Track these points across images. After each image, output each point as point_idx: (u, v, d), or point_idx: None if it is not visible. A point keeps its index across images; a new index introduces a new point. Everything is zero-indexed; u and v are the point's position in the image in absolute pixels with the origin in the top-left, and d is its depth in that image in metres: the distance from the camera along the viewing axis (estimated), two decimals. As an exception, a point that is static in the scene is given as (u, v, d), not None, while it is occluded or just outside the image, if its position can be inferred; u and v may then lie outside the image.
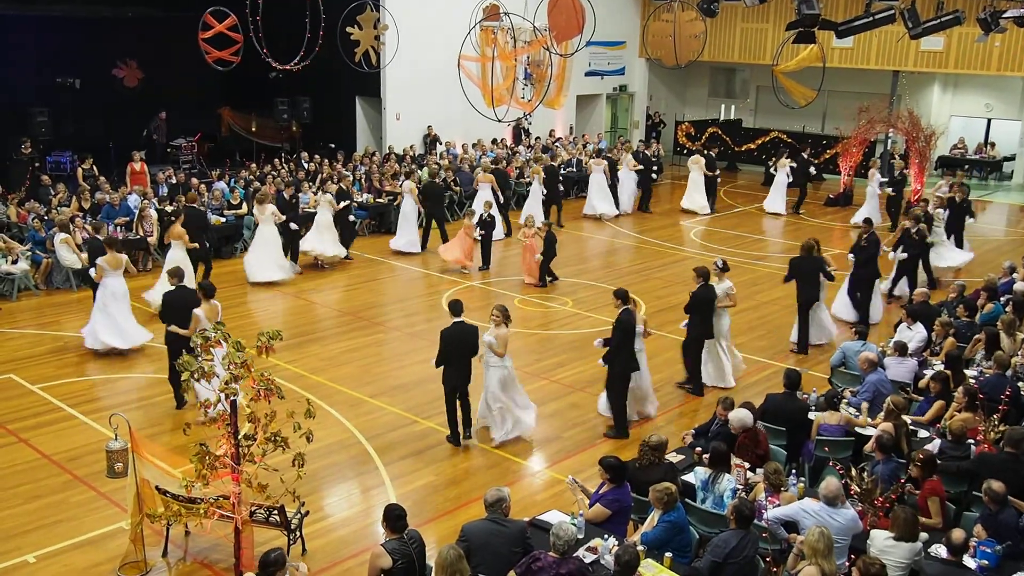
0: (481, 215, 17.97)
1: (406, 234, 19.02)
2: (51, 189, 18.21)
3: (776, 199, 23.29)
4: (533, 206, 20.56)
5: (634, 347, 10.41)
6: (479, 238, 17.86)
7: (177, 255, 14.42)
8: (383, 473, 9.61)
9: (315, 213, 17.99)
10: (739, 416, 8.49)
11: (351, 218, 18.62)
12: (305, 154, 23.12)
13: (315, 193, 18.70)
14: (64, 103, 21.73)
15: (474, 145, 25.20)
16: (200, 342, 7.18)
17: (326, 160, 22.50)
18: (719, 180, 24.38)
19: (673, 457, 8.34)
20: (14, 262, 15.47)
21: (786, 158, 23.42)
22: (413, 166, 21.93)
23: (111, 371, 12.25)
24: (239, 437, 7.32)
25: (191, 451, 7.38)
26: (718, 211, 23.61)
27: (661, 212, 23.43)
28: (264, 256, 16.59)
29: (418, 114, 24.70)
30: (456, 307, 10.27)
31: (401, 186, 19.62)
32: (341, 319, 14.65)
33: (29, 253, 15.85)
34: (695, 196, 23.36)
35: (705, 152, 24.17)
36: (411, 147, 24.41)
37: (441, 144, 25.15)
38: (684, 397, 11.76)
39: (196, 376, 7.06)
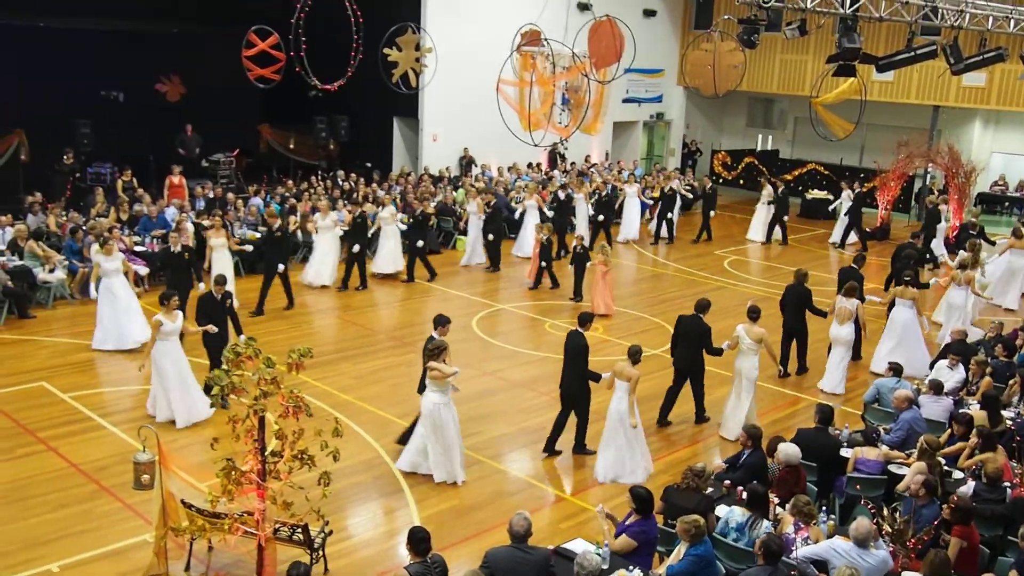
0: (542, 238, 18.25)
1: (473, 250, 19.81)
2: (91, 199, 18.55)
3: (757, 228, 23.55)
4: (582, 229, 21.28)
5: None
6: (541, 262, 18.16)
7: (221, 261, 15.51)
8: (408, 495, 9.59)
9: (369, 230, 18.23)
10: (787, 452, 8.33)
11: (419, 243, 18.65)
12: (341, 172, 23.32)
13: (350, 207, 18.85)
14: (107, 115, 22.07)
15: (509, 168, 25.30)
16: (231, 357, 7.22)
17: (362, 179, 22.69)
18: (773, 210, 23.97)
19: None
20: (51, 271, 15.70)
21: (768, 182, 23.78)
22: (476, 183, 22.28)
23: (142, 382, 12.37)
24: (266, 453, 7.34)
25: (217, 466, 7.41)
26: (752, 241, 23.50)
27: (690, 239, 23.35)
28: (326, 262, 17.46)
29: (454, 136, 24.87)
30: (585, 319, 10.46)
31: (465, 208, 20.11)
32: (373, 338, 14.70)
33: (66, 263, 16.09)
34: (757, 226, 23.53)
35: (771, 182, 24.08)
36: (447, 168, 24.55)
37: (476, 166, 25.27)
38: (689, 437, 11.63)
39: (226, 391, 7.10)
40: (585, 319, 10.52)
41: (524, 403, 12.11)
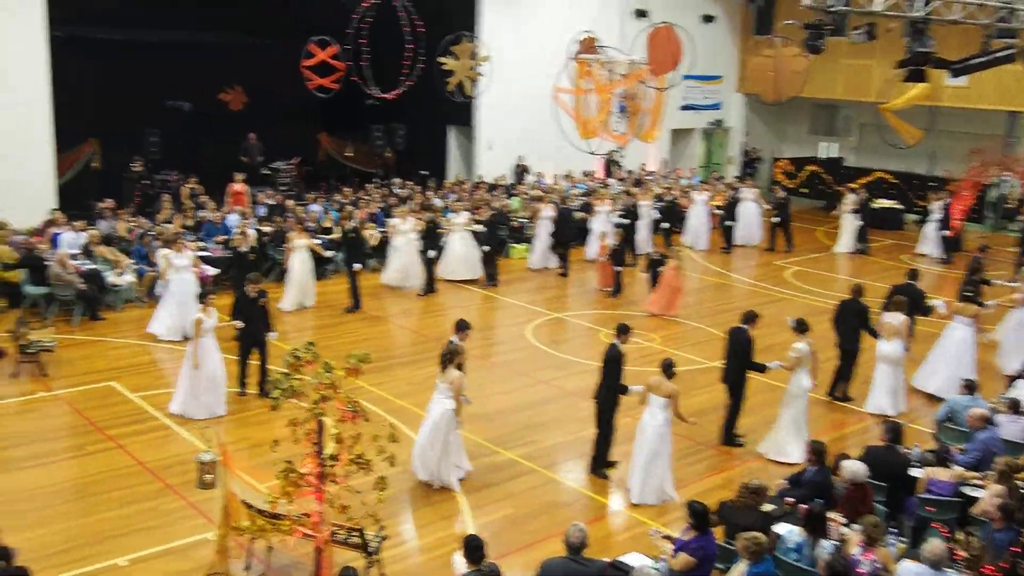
0: (613, 245, 18.36)
1: (541, 255, 19.96)
2: (158, 205, 19.04)
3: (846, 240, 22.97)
4: (646, 236, 21.30)
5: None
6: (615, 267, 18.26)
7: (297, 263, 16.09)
8: (463, 502, 9.67)
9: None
10: (852, 469, 8.09)
11: (483, 248, 18.88)
12: (398, 180, 23.57)
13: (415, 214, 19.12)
14: (173, 125, 22.66)
15: (565, 177, 25.32)
16: (291, 361, 7.39)
17: (418, 187, 22.91)
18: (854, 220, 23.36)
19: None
20: (121, 274, 16.17)
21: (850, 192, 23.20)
22: (543, 188, 22.46)
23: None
24: (324, 457, 7.49)
25: (277, 468, 7.58)
26: (816, 251, 23.18)
27: (759, 250, 23.12)
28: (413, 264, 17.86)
29: (509, 144, 24.97)
30: (623, 330, 10.42)
31: (538, 213, 20.40)
32: (429, 344, 14.84)
33: (135, 267, 16.55)
34: (845, 238, 23.01)
35: (853, 190, 23.68)
36: (502, 176, 24.65)
37: (530, 174, 25.39)
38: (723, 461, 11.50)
39: (286, 395, 7.27)
40: (623, 330, 10.40)
41: (579, 412, 12.09)
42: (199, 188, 20.52)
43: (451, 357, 9.75)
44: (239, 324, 11.96)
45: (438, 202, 21.38)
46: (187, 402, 11.46)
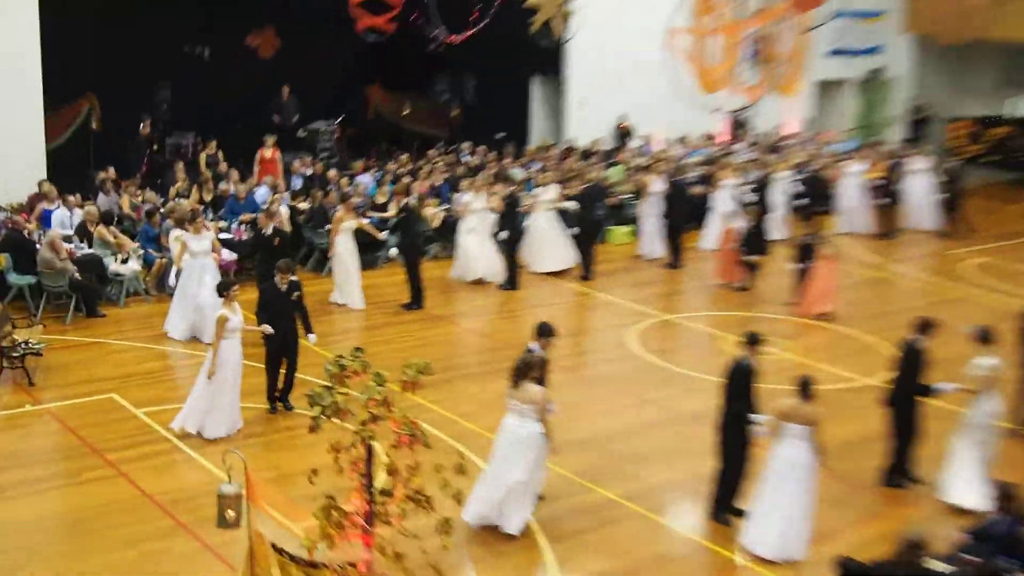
0: (740, 229, 18.35)
1: (650, 241, 20.02)
2: (170, 176, 19.47)
3: None
4: (781, 216, 21.29)
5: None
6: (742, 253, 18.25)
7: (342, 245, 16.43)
8: (547, 553, 9.66)
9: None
10: None
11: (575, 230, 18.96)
12: (467, 145, 23.69)
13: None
14: (190, 76, 22.87)
15: (679, 141, 25.12)
16: (334, 371, 7.45)
17: (493, 153, 23.02)
18: None
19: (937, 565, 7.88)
20: (124, 261, 16.57)
21: None
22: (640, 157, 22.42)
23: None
24: (374, 491, 7.52)
25: (317, 504, 7.64)
26: (1005, 238, 22.57)
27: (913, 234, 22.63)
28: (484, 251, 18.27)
29: (608, 100, 24.90)
30: (754, 338, 10.30)
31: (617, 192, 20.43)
32: (505, 352, 14.80)
33: (141, 252, 16.95)
34: None
35: None
36: (598, 141, 24.57)
37: (635, 138, 25.27)
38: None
39: (328, 413, 7.33)
40: (753, 339, 10.25)
41: (696, 441, 11.86)
42: (220, 155, 20.90)
43: (526, 370, 9.72)
44: (268, 330, 12.12)
45: (518, 173, 21.41)
46: (200, 418, 11.66)
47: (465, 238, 18.27)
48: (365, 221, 17.44)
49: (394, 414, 7.44)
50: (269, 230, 15.00)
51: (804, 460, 9.57)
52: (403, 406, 7.68)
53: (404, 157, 22.50)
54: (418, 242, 17.08)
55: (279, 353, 12.35)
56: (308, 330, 12.58)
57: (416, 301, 16.71)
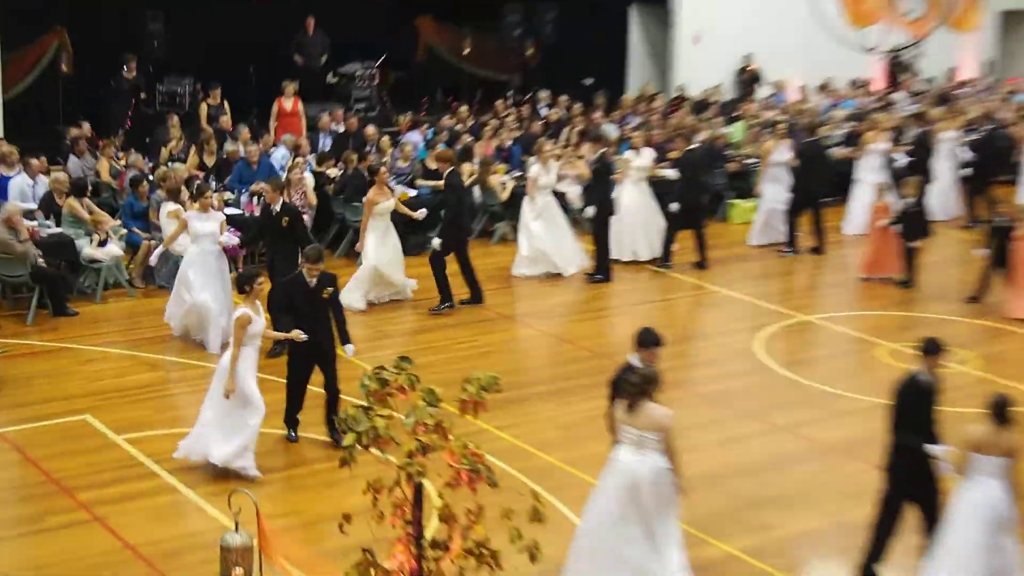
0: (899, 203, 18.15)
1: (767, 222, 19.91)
2: (162, 133, 19.51)
3: None
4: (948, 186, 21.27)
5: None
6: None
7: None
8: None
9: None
10: None
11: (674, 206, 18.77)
12: (544, 94, 23.54)
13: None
14: (187, 3, 22.91)
15: (820, 89, 24.89)
16: (373, 387, 7.30)
17: (578, 105, 22.81)
18: None
19: None
20: (102, 243, 16.54)
21: None
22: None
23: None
24: (424, 544, 7.41)
25: (349, 560, 7.53)
26: None
27: None
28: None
29: (729, 37, 24.81)
30: (931, 348, 9.91)
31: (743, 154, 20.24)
32: (590, 363, 14.71)
33: (124, 231, 16.96)
34: None
35: None
36: (715, 88, 24.38)
37: (764, 85, 25.15)
38: None
39: (365, 442, 7.20)
40: (932, 348, 9.97)
41: (843, 480, 11.88)
42: (226, 106, 20.94)
43: (645, 387, 9.50)
44: (300, 336, 11.85)
45: (611, 130, 21.22)
46: (209, 444, 11.54)
47: (530, 223, 18.05)
48: (404, 192, 17.29)
49: (450, 443, 7.28)
50: (278, 206, 14.70)
51: (999, 504, 9.32)
52: (462, 433, 7.52)
53: (463, 110, 22.42)
54: (464, 221, 16.73)
55: (307, 366, 12.21)
56: (344, 339, 12.37)
57: (475, 296, 16.53)
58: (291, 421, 12.36)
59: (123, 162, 18.72)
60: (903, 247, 17.85)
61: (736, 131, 22.29)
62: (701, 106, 23.56)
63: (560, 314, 16.90)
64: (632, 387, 9.61)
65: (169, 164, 18.30)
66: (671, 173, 18.88)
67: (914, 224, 17.81)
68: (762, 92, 24.91)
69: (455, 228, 16.44)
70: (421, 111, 22.96)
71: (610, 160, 18.29)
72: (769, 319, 16.53)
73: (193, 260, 14.75)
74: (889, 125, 21.27)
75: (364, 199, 16.51)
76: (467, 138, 20.30)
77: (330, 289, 12.14)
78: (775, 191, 19.63)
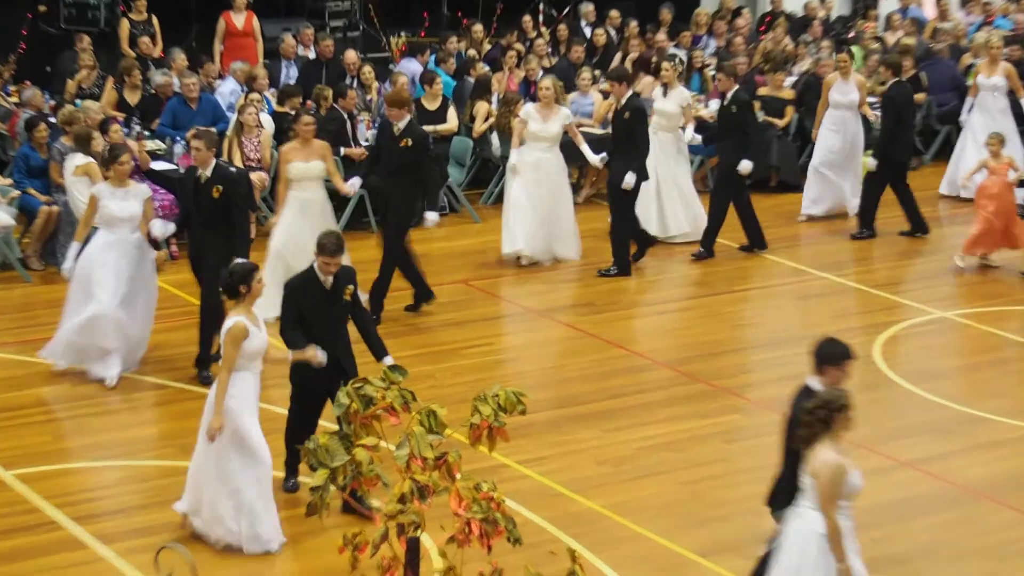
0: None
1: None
2: (68, 60, 19.59)
3: None
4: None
5: None
6: None
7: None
8: None
9: None
10: None
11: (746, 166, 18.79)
12: (589, 7, 23.53)
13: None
14: None
15: (965, 3, 24.87)
16: (353, 408, 7.36)
17: (635, 23, 22.96)
18: None
19: None
20: (-11, 208, 16.73)
21: None
22: None
23: (155, 451, 12.95)
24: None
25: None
26: None
27: None
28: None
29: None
30: None
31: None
32: (648, 376, 14.91)
33: (15, 193, 17.05)
34: None
35: None
36: (823, 1, 24.41)
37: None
38: None
39: (342, 483, 7.27)
40: (830, 354, 10.16)
41: (986, 535, 11.92)
42: (155, 23, 20.99)
43: (826, 424, 9.47)
44: (318, 358, 11.44)
45: (678, 55, 21.22)
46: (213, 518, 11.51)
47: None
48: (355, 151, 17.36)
49: (457, 484, 7.33)
50: (208, 170, 14.32)
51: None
52: (473, 470, 7.56)
53: (478, 29, 22.43)
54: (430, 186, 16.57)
55: (320, 395, 11.83)
56: (380, 351, 11.98)
57: (421, 295, 16.43)
58: (292, 466, 12.23)
59: (14, 99, 18.79)
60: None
61: (857, 56, 22.30)
62: (801, 25, 23.56)
63: (603, 308, 16.94)
64: (810, 416, 9.55)
65: (78, 102, 18.38)
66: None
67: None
68: (886, 6, 24.80)
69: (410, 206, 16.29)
70: (420, 31, 22.96)
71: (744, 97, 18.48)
72: (892, 315, 16.65)
73: (100, 254, 14.18)
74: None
75: (280, 153, 16.12)
76: (483, 67, 20.32)
77: (351, 288, 12.00)
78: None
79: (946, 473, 12.96)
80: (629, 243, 17.92)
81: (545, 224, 17.89)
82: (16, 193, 16.96)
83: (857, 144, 19.85)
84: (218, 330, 12.05)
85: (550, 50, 21.81)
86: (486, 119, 18.74)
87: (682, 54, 21.67)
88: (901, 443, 13.54)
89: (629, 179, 17.35)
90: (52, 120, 17.72)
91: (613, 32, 22.88)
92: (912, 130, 20.10)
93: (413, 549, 7.45)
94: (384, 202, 16.47)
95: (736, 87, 18.27)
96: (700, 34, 23.24)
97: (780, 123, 20.90)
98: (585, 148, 18.07)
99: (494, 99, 19.32)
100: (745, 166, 17.94)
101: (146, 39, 20.54)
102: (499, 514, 7.39)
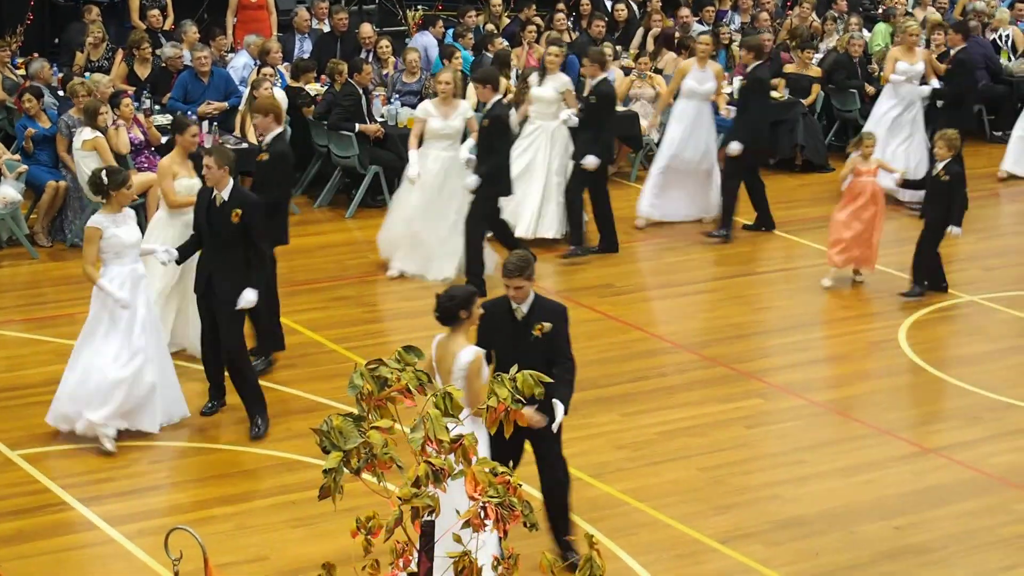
0: None
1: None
2: (75, 32, 19.59)
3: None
4: None
5: None
6: None
7: None
8: None
9: None
10: None
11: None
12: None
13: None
14: None
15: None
16: (367, 389, 7.32)
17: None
18: None
19: None
20: (-4, 182, 16.74)
21: None
22: None
23: (169, 434, 13.00)
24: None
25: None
26: None
27: None
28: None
29: None
30: None
31: None
32: (670, 358, 14.97)
33: (23, 168, 17.02)
34: None
35: None
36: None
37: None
38: None
39: (355, 465, 7.23)
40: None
41: (1014, 524, 11.91)
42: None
43: None
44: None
45: (698, 32, 21.20)
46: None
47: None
48: (411, 117, 17.29)
49: (473, 468, 7.31)
50: (225, 193, 12.66)
51: None
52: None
53: (496, 1, 22.40)
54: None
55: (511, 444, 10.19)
56: (556, 399, 11.18)
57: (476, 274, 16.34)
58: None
59: (21, 71, 18.79)
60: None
61: (877, 36, 22.21)
62: (828, 0, 23.50)
63: (623, 289, 17.02)
64: None
65: (87, 75, 18.39)
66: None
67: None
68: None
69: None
70: (438, 4, 22.93)
71: (763, 75, 18.43)
72: (919, 299, 16.60)
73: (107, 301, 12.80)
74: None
75: (158, 164, 15.33)
76: (501, 42, 20.29)
77: (547, 326, 10.73)
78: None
79: (973, 461, 12.98)
80: (612, 220, 17.96)
81: (430, 237, 17.03)
82: (23, 168, 16.93)
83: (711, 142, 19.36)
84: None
85: (571, 24, 21.73)
86: (505, 95, 18.71)
87: (702, 28, 21.65)
88: (927, 430, 13.65)
89: (590, 161, 17.37)
90: (61, 93, 17.71)
91: (635, 6, 22.78)
92: (767, 118, 19.38)
93: (428, 533, 7.43)
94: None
95: (603, 76, 17.97)
96: (724, 9, 23.17)
97: (806, 101, 20.89)
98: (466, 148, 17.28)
99: (513, 74, 19.24)
100: (590, 161, 17.47)
101: (156, 11, 20.55)
102: (515, 498, 7.35)
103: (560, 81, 18.31)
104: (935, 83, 19.78)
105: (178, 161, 14.02)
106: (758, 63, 18.29)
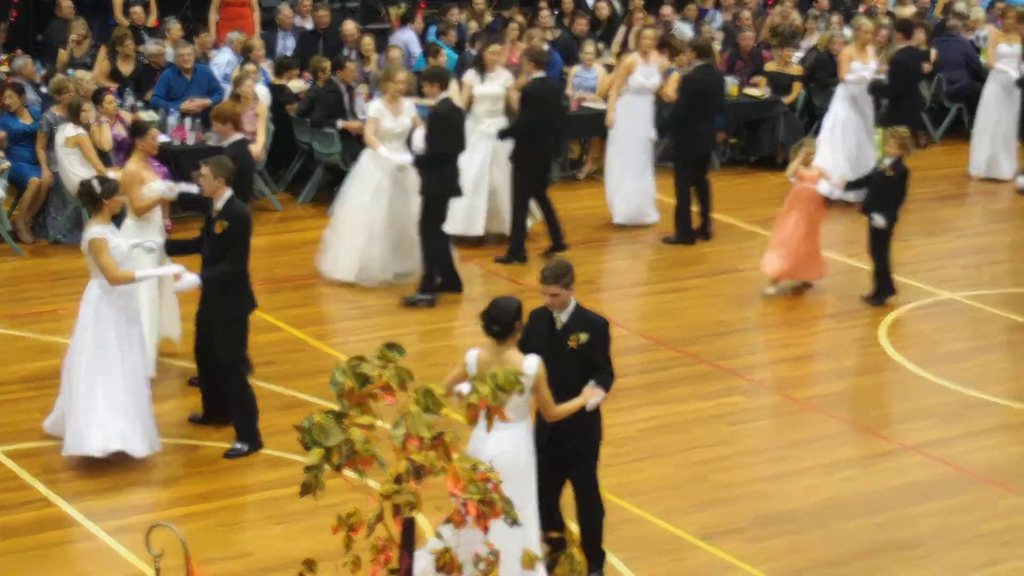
0: None
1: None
2: (58, 29, 19.54)
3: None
4: None
5: None
6: None
7: None
8: None
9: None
10: None
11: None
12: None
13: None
14: None
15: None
16: (348, 386, 7.35)
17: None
18: None
19: None
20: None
21: None
22: None
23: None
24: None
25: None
26: None
27: None
28: None
29: None
30: None
31: None
32: (652, 356, 14.97)
33: (5, 164, 16.98)
34: None
35: None
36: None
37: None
38: None
39: (336, 462, 7.25)
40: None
41: (993, 521, 11.97)
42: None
43: None
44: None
45: (685, 31, 21.19)
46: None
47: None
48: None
49: (455, 464, 7.33)
50: (220, 202, 12.66)
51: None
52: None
53: (480, -1, 22.43)
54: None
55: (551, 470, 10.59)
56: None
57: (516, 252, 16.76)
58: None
59: (4, 68, 18.76)
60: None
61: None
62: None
63: (607, 287, 17.14)
64: None
65: (70, 71, 18.39)
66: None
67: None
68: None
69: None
70: (421, 1, 22.92)
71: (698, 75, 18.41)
72: (898, 296, 16.61)
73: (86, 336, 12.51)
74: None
75: (124, 171, 14.45)
76: (492, 45, 20.29)
77: (583, 337, 10.51)
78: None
79: (952, 458, 13.04)
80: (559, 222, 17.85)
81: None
82: (6, 164, 16.91)
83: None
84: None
85: (554, 22, 21.73)
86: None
87: (688, 28, 21.68)
88: (906, 427, 13.67)
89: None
90: (44, 90, 17.70)
91: (617, 4, 22.79)
92: (710, 120, 19.12)
93: (408, 530, 7.45)
94: None
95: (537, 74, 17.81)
96: (706, 7, 23.17)
97: (787, 99, 20.94)
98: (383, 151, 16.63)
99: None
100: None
101: (139, 8, 20.51)
102: (496, 495, 7.38)
103: (504, 77, 18.35)
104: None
105: (143, 166, 13.75)
106: (700, 63, 18.27)
